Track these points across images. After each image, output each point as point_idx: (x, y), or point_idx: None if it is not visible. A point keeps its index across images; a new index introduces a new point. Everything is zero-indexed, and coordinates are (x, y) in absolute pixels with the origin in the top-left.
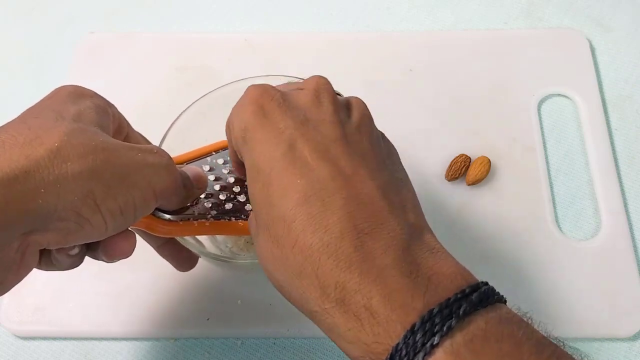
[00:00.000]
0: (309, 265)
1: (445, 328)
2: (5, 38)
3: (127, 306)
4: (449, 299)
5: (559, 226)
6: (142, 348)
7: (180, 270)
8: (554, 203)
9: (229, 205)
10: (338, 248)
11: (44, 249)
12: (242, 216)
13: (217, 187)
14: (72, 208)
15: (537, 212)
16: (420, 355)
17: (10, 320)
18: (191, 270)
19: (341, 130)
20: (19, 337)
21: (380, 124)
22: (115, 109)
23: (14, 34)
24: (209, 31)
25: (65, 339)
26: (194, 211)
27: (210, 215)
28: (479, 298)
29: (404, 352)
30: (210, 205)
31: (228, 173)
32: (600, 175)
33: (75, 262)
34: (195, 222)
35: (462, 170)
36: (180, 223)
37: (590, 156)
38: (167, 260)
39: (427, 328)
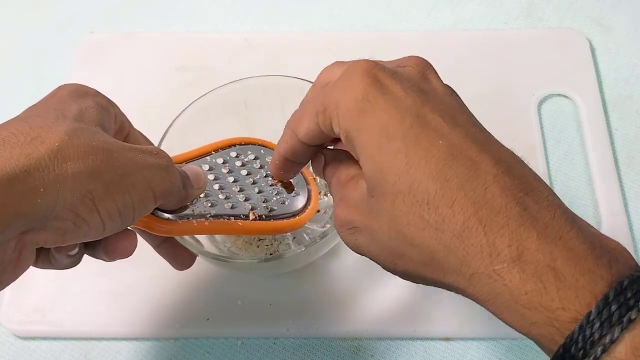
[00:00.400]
0: (474, 222)
1: None
2: (6, 38)
3: (127, 306)
4: (635, 275)
5: None
6: (142, 348)
7: (177, 269)
8: None
9: (228, 205)
10: (504, 205)
11: (42, 248)
12: (241, 216)
13: (216, 187)
14: (70, 208)
15: None
16: (617, 329)
17: (10, 320)
18: (191, 271)
19: (457, 103)
20: (19, 337)
21: None
22: (117, 108)
23: (14, 33)
24: (209, 31)
25: (65, 339)
26: (193, 210)
27: (209, 215)
28: None
29: (597, 325)
30: (209, 204)
31: (227, 173)
32: (600, 175)
33: (74, 261)
34: (194, 221)
35: None
36: (180, 222)
37: (590, 156)
38: (165, 259)
39: (621, 300)
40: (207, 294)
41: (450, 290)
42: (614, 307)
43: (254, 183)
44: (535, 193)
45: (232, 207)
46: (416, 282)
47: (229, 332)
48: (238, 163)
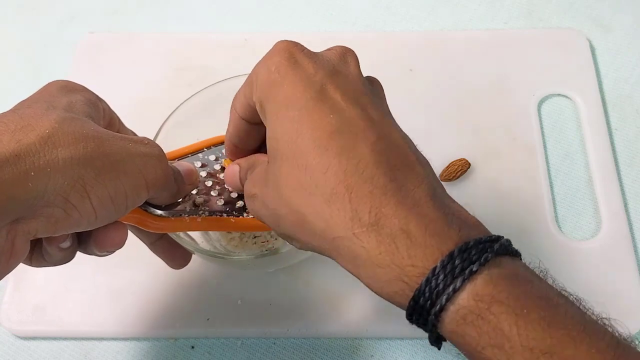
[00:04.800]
0: (342, 188)
1: (482, 259)
2: (6, 38)
3: (127, 306)
4: (481, 238)
5: (559, 226)
6: (142, 348)
7: (173, 268)
8: (554, 203)
9: (220, 202)
10: (373, 175)
11: (36, 244)
12: (234, 212)
13: (209, 184)
14: (61, 193)
15: (537, 212)
16: (459, 280)
17: (10, 320)
18: (191, 271)
19: (366, 87)
20: (19, 337)
21: None
22: (106, 104)
23: (14, 33)
24: (209, 31)
25: (65, 339)
26: (185, 207)
27: (201, 212)
28: (504, 245)
29: (441, 277)
30: (202, 201)
31: (220, 169)
32: (600, 175)
33: (67, 256)
34: (186, 218)
35: (457, 173)
36: (172, 219)
37: (590, 156)
38: (160, 257)
39: (465, 257)
40: (207, 294)
41: (322, 254)
42: (457, 262)
43: None
44: (409, 170)
45: (224, 204)
46: (298, 247)
47: (229, 332)
48: None
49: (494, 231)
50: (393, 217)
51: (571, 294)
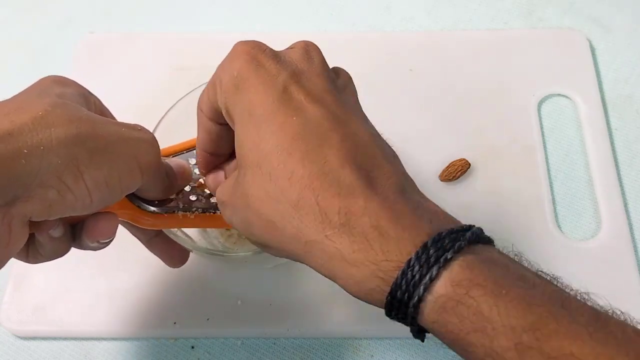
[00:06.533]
0: (308, 193)
1: (456, 247)
2: (6, 38)
3: (127, 306)
4: (453, 228)
5: (559, 226)
6: (142, 348)
7: (171, 266)
8: (554, 203)
9: (213, 199)
10: (339, 176)
11: (31, 237)
12: None
13: (202, 181)
14: (55, 173)
15: (537, 212)
16: (435, 268)
17: (10, 320)
18: (191, 270)
19: (331, 84)
20: (19, 337)
21: (379, 123)
22: (97, 98)
23: (14, 33)
24: (209, 31)
25: (65, 339)
26: (178, 204)
27: (194, 209)
28: (477, 233)
29: (416, 268)
30: (195, 198)
31: None
32: (600, 175)
33: (60, 247)
34: (180, 214)
35: (457, 173)
36: (165, 215)
37: (590, 156)
38: (157, 255)
39: (439, 246)
40: (207, 294)
41: (296, 261)
42: (432, 252)
43: None
44: (377, 168)
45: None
46: (273, 254)
47: (229, 332)
48: None
49: (493, 231)
50: (363, 215)
51: (547, 274)
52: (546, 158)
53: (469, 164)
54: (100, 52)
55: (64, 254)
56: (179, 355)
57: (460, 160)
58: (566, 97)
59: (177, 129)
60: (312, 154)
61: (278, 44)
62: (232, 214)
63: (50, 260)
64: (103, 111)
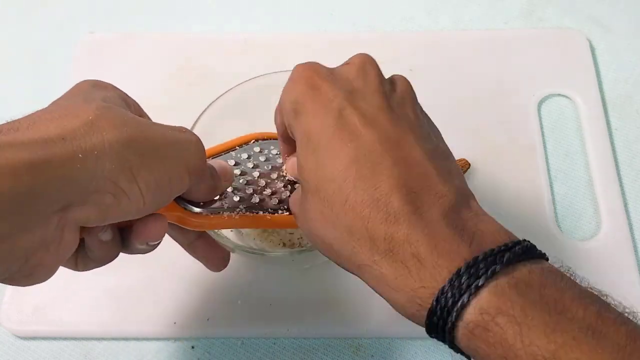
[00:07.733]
0: (359, 220)
1: (490, 272)
2: (6, 38)
3: (127, 306)
4: (493, 249)
5: (559, 226)
6: (142, 348)
7: (212, 270)
8: (554, 203)
9: (255, 199)
10: (387, 203)
11: (80, 244)
12: (269, 210)
13: (243, 181)
14: (110, 177)
15: (537, 212)
16: (466, 295)
17: (10, 320)
18: (191, 271)
19: (386, 100)
20: (19, 337)
21: None
22: (135, 101)
23: (14, 33)
24: (209, 31)
25: (65, 339)
26: (223, 205)
27: (239, 209)
28: (521, 250)
29: (449, 294)
30: (238, 199)
31: (253, 167)
32: (600, 175)
33: (109, 252)
34: (224, 215)
35: None
36: (211, 216)
37: (590, 156)
38: (199, 259)
39: (472, 272)
40: (207, 294)
41: (353, 274)
42: (464, 279)
43: (278, 177)
44: (428, 189)
45: (260, 201)
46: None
47: (229, 332)
48: (262, 158)
49: None
50: (404, 243)
51: (594, 290)
52: (546, 158)
53: (469, 164)
54: (100, 52)
55: (113, 259)
56: (179, 355)
57: (460, 160)
58: (566, 97)
59: (211, 132)
60: (364, 180)
61: (278, 44)
62: (300, 225)
63: (100, 266)
64: (142, 113)
